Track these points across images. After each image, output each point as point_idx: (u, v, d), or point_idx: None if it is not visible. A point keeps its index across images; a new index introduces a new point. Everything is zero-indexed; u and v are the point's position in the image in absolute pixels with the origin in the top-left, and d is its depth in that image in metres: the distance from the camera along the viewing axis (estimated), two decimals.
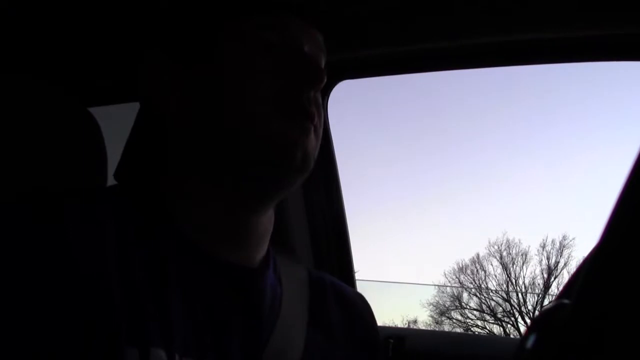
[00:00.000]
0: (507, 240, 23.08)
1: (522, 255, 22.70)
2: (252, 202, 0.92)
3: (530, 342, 0.52)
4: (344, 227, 1.81)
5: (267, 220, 0.96)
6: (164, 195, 0.92)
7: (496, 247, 22.92)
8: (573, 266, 21.93)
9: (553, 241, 22.50)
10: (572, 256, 22.23)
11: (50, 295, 0.73)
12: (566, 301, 0.50)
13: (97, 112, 1.16)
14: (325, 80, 0.92)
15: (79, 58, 1.67)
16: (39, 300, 0.73)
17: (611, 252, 0.47)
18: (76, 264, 0.76)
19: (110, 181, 1.07)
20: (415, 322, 20.39)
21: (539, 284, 22.25)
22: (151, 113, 0.97)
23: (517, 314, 22.03)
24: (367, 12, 1.38)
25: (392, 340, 1.68)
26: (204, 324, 0.84)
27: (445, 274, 23.42)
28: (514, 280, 22.41)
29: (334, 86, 1.70)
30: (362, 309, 1.13)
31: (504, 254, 22.73)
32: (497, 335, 16.97)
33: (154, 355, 0.76)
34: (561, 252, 22.27)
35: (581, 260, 0.60)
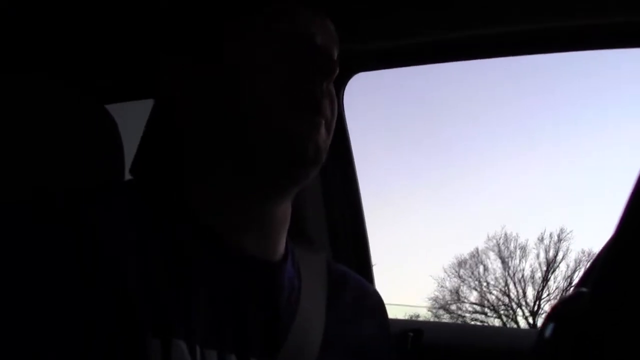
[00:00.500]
0: (505, 234, 23.11)
1: (520, 249, 22.82)
2: (268, 194, 0.92)
3: (548, 332, 0.52)
4: (361, 220, 1.80)
5: (283, 211, 0.96)
6: (180, 188, 0.93)
7: (494, 241, 23.03)
8: (571, 259, 22.29)
9: (551, 234, 22.65)
10: (570, 249, 22.51)
11: (74, 289, 0.74)
12: (584, 290, 0.50)
13: (113, 109, 1.16)
14: (338, 71, 0.91)
15: (94, 56, 1.67)
16: (62, 295, 0.74)
17: (628, 241, 0.46)
18: (97, 258, 0.77)
19: (128, 176, 1.07)
20: (417, 316, 20.42)
21: (537, 277, 22.36)
22: (166, 108, 0.98)
23: (515, 307, 22.15)
24: (382, 2, 1.38)
25: (411, 334, 1.67)
26: (224, 317, 0.85)
27: (444, 269, 23.62)
28: (512, 274, 22.52)
29: (349, 78, 1.69)
30: (377, 301, 1.13)
31: (502, 247, 22.84)
32: (517, 328, 16.96)
33: (175, 346, 0.77)
34: (559, 245, 22.39)
35: (598, 250, 0.60)
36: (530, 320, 21.55)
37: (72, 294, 0.74)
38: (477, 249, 23.13)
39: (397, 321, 1.80)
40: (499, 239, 22.80)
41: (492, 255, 22.77)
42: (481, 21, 1.42)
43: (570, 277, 21.73)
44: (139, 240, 0.82)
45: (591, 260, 0.62)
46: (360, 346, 1.02)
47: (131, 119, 1.29)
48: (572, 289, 0.57)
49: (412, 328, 1.71)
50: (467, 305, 22.56)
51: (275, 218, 0.94)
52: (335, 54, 0.96)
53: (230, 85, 0.89)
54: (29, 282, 0.74)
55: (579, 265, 21.67)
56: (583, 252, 22.18)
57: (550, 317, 0.53)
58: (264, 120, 0.87)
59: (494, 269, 22.73)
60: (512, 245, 22.69)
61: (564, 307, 0.52)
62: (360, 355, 1.01)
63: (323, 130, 0.91)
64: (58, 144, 1.06)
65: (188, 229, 0.88)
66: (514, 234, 23.41)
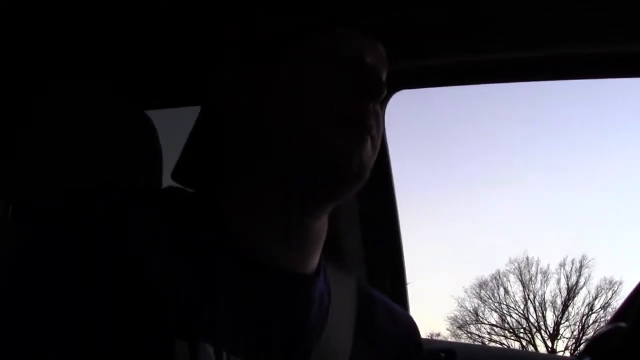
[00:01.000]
0: (527, 258, 23.26)
1: (541, 273, 22.92)
2: (308, 208, 0.93)
3: None
4: (397, 238, 1.80)
5: (321, 227, 0.96)
6: (218, 197, 0.93)
7: (516, 264, 23.18)
8: (592, 286, 22.29)
9: (573, 260, 22.78)
10: (591, 276, 22.54)
11: (107, 288, 0.76)
12: (622, 325, 0.48)
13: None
14: (385, 92, 0.92)
15: (139, 62, 1.69)
16: (94, 294, 0.75)
17: None
18: (130, 259, 0.79)
19: (165, 182, 1.09)
20: (438, 335, 20.36)
21: (558, 302, 22.34)
22: (213, 116, 0.99)
23: (534, 331, 22.16)
24: (426, 22, 1.38)
25: (443, 355, 1.66)
26: (253, 326, 0.85)
27: (465, 290, 23.68)
28: (532, 298, 22.54)
29: (391, 96, 1.69)
30: (410, 326, 1.12)
31: (524, 271, 22.91)
32: (553, 355, 16.80)
33: (202, 349, 0.78)
34: (580, 272, 22.46)
35: (636, 284, 0.58)
36: (549, 343, 21.44)
37: (100, 294, 0.76)
38: (498, 271, 23.27)
39: (430, 341, 1.79)
40: (521, 263, 22.90)
41: (513, 278, 22.84)
42: (522, 44, 1.42)
43: (591, 304, 21.80)
44: (171, 245, 0.83)
45: (628, 295, 0.60)
46: None
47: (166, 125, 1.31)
48: (607, 322, 0.55)
49: (444, 348, 1.70)
50: (486, 326, 22.50)
51: (312, 232, 0.94)
52: (384, 76, 0.97)
53: (281, 100, 0.90)
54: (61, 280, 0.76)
55: (599, 293, 21.80)
56: (604, 280, 22.34)
57: (586, 350, 0.52)
58: (312, 136, 0.88)
59: (514, 292, 22.77)
60: (533, 269, 22.85)
61: (601, 342, 0.51)
62: None
63: (369, 146, 0.91)
64: (99, 148, 1.08)
65: (221, 237, 0.89)
66: (535, 258, 23.42)
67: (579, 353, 0.54)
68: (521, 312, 22.35)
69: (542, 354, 8.80)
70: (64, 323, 0.74)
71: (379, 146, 0.95)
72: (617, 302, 20.71)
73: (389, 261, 1.78)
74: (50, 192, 1.08)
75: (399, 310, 1.13)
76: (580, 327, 21.66)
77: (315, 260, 0.96)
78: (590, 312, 21.68)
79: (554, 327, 21.87)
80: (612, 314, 0.58)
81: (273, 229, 0.91)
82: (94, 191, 0.87)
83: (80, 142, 1.08)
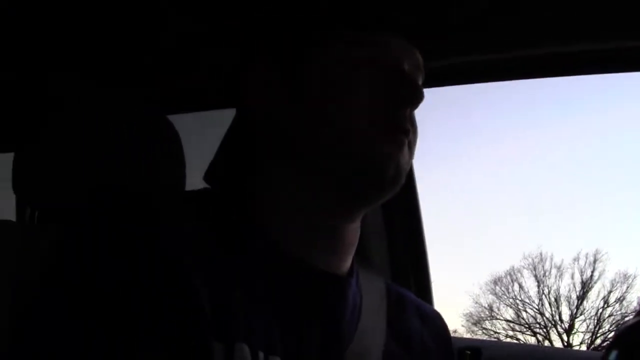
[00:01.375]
0: (541, 254, 22.85)
1: (556, 268, 22.59)
2: (343, 212, 0.93)
3: (612, 358, 0.51)
4: (421, 240, 1.80)
5: (354, 230, 0.97)
6: (253, 199, 0.94)
7: (530, 259, 22.83)
8: (607, 280, 22.09)
9: (587, 255, 22.37)
10: (605, 269, 22.12)
11: (142, 289, 0.75)
12: None
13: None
14: (423, 98, 0.92)
15: (163, 67, 1.71)
16: (129, 295, 0.75)
17: None
18: (164, 261, 0.78)
19: (189, 186, 1.10)
20: (455, 331, 20.32)
21: (572, 297, 22.16)
22: (245, 119, 0.99)
23: (550, 326, 21.98)
24: (448, 21, 1.38)
25: (468, 352, 1.66)
26: (287, 326, 0.86)
27: (479, 286, 23.67)
28: (547, 293, 22.38)
29: None
30: (440, 325, 1.13)
31: (538, 266, 22.67)
32: (579, 350, 16.67)
33: (238, 350, 0.78)
34: (594, 266, 22.10)
35: None
36: (565, 337, 21.38)
37: (135, 295, 0.75)
38: (512, 267, 22.98)
39: (456, 339, 1.79)
40: (535, 258, 22.68)
41: (527, 274, 22.69)
42: (542, 41, 1.42)
43: (606, 297, 21.60)
44: (205, 247, 0.83)
45: None
46: None
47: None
48: (635, 314, 0.56)
49: (470, 346, 1.70)
50: (502, 322, 22.44)
51: (346, 235, 0.95)
52: (421, 81, 0.97)
53: (314, 109, 0.90)
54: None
55: (614, 287, 21.53)
56: (618, 273, 22.01)
57: (614, 343, 0.53)
58: (348, 140, 0.88)
59: (528, 287, 22.64)
60: (547, 264, 22.57)
61: (629, 334, 0.52)
62: None
63: (406, 151, 0.91)
64: (122, 153, 1.09)
65: (256, 238, 0.90)
66: (549, 253, 23.19)
67: (607, 345, 0.54)
68: (536, 307, 22.16)
69: (564, 349, 8.72)
70: (106, 322, 0.74)
71: (415, 151, 0.95)
72: (633, 296, 20.92)
73: (413, 260, 1.79)
74: (76, 196, 1.10)
75: (428, 308, 1.14)
76: (595, 321, 21.54)
77: (348, 262, 0.97)
78: (605, 306, 21.46)
79: (569, 322, 21.75)
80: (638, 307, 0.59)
81: (308, 230, 0.92)
82: (123, 192, 0.87)
83: (103, 149, 1.09)
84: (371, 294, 1.01)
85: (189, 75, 1.76)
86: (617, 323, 20.80)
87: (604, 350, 0.56)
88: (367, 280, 1.03)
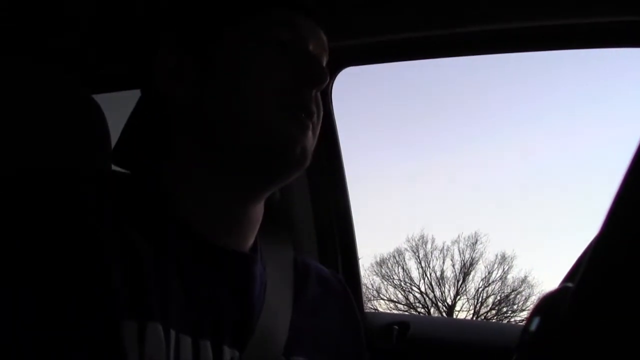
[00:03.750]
0: (422, 236, 24.35)
1: (438, 250, 24.12)
2: (249, 192, 0.96)
3: (533, 325, 0.53)
4: (348, 215, 1.81)
5: (260, 209, 1.00)
6: (163, 179, 0.95)
7: (413, 242, 24.17)
8: (488, 258, 24.00)
9: (468, 236, 24.16)
10: (485, 251, 24.28)
11: (54, 266, 0.76)
12: (569, 285, 0.50)
13: (101, 99, 1.17)
14: (328, 80, 0.95)
15: (85, 45, 1.68)
16: (40, 272, 0.75)
17: (613, 237, 0.47)
18: (78, 240, 0.78)
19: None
20: None
21: (452, 277, 23.72)
22: (154, 102, 0.99)
23: (432, 304, 23.28)
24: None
25: (396, 327, 1.68)
26: (200, 305, 0.87)
27: (364, 267, 24.26)
28: (429, 274, 23.76)
29: (338, 73, 1.69)
30: (340, 289, 1.16)
31: (420, 248, 24.04)
32: (503, 323, 17.12)
33: (151, 328, 0.78)
34: (474, 247, 23.79)
35: (585, 247, 0.61)
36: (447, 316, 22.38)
37: (47, 272, 0.75)
38: (396, 249, 24.32)
39: (383, 314, 1.81)
40: (418, 240, 23.98)
41: (409, 255, 23.98)
42: (470, 18, 1.43)
43: (487, 277, 23.20)
44: (119, 226, 0.84)
45: (577, 258, 0.62)
46: (327, 334, 1.06)
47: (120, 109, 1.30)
48: (558, 284, 0.58)
49: (398, 321, 1.72)
50: (387, 302, 23.46)
51: (251, 214, 0.97)
52: (325, 62, 1.01)
53: (224, 86, 0.92)
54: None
55: (493, 267, 23.21)
56: (496, 255, 23.71)
57: (535, 311, 0.54)
58: (254, 120, 0.90)
59: (408, 269, 23.92)
60: (429, 246, 24.00)
61: (549, 302, 0.53)
62: (328, 344, 1.04)
63: (310, 134, 0.94)
64: (44, 130, 1.06)
65: (167, 218, 0.91)
66: (430, 236, 24.75)
67: (529, 313, 0.56)
68: (419, 287, 23.53)
69: (490, 322, 8.92)
70: (21, 299, 0.73)
71: (318, 133, 0.98)
72: (511, 276, 22.72)
73: (340, 239, 1.80)
74: None
75: (329, 273, 1.18)
76: (476, 299, 22.92)
77: (251, 239, 0.99)
78: (487, 285, 23.09)
79: (452, 301, 23.03)
80: (563, 277, 0.60)
81: (213, 213, 0.94)
82: (41, 172, 0.86)
83: (26, 125, 1.06)
84: (276, 269, 1.04)
85: (115, 55, 1.73)
86: (497, 302, 22.45)
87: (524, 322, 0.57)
88: (272, 254, 1.06)
